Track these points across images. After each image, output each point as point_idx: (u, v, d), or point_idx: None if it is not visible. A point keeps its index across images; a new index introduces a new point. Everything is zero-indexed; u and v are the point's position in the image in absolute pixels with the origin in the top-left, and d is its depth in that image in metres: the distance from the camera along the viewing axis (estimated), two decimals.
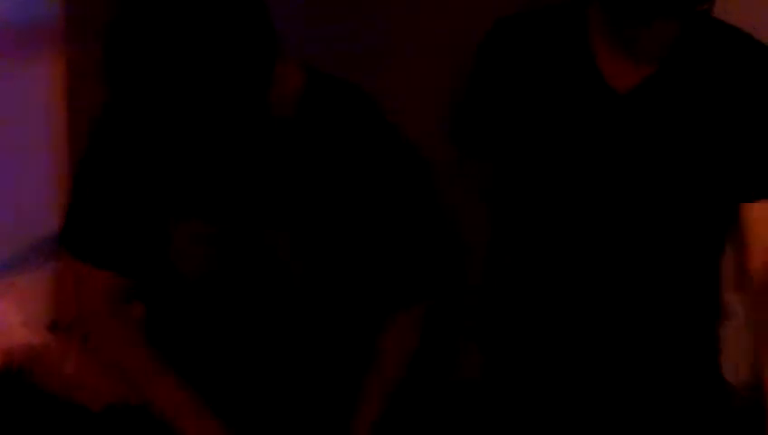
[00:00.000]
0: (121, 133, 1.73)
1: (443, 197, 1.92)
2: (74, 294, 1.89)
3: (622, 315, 1.83)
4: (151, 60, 1.50)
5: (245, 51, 1.53)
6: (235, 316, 1.82)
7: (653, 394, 1.86)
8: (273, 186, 1.73)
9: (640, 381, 1.86)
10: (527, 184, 1.83)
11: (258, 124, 1.63)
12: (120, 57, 1.52)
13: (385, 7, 2.46)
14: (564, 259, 1.83)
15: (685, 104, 1.76)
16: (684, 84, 1.76)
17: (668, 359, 1.86)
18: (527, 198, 1.84)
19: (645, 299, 1.82)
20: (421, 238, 1.83)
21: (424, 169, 1.82)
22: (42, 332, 2.52)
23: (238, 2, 1.54)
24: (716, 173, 1.77)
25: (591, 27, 1.77)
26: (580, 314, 1.83)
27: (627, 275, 1.81)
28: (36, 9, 2.54)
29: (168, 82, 1.50)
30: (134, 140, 1.70)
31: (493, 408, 1.95)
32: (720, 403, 1.90)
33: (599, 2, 1.74)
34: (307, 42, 2.36)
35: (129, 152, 1.73)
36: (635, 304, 1.82)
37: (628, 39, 1.73)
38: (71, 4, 2.49)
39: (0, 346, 2.46)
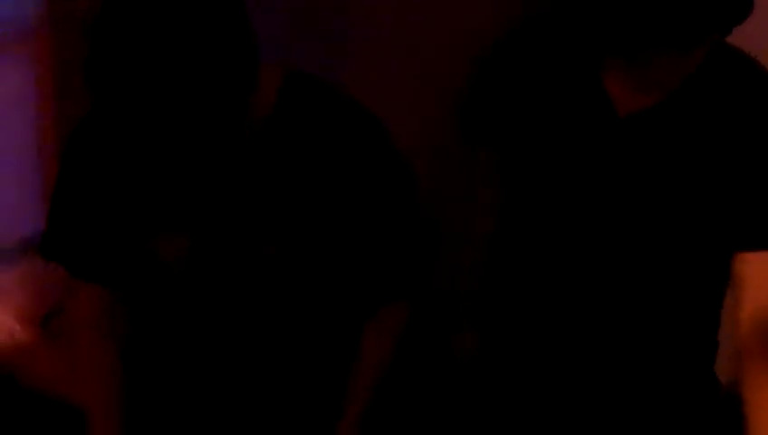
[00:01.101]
0: (102, 141, 1.75)
1: (441, 186, 1.90)
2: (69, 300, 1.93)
3: (618, 317, 1.82)
4: (133, 66, 1.51)
5: (228, 58, 1.55)
6: (216, 315, 1.83)
7: (647, 396, 1.86)
8: (249, 185, 1.74)
9: (634, 383, 1.85)
10: (528, 181, 1.83)
11: (238, 128, 1.65)
12: (101, 63, 1.54)
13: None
14: (562, 260, 1.82)
15: (682, 139, 1.71)
16: (685, 120, 1.71)
17: (663, 359, 1.85)
18: (528, 195, 1.84)
19: (641, 306, 1.81)
20: (399, 239, 1.83)
21: (405, 167, 1.81)
22: (27, 329, 2.52)
23: (220, 9, 1.55)
24: (710, 214, 1.73)
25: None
26: (577, 314, 1.83)
27: (624, 280, 1.80)
28: (20, 7, 2.54)
29: (150, 87, 1.51)
30: (114, 147, 1.73)
31: (487, 395, 1.95)
32: (712, 405, 1.90)
33: (605, 30, 1.67)
34: (295, 40, 2.37)
35: (109, 159, 1.75)
36: (631, 308, 1.81)
37: (638, 63, 1.68)
38: (55, 3, 2.49)
39: None
